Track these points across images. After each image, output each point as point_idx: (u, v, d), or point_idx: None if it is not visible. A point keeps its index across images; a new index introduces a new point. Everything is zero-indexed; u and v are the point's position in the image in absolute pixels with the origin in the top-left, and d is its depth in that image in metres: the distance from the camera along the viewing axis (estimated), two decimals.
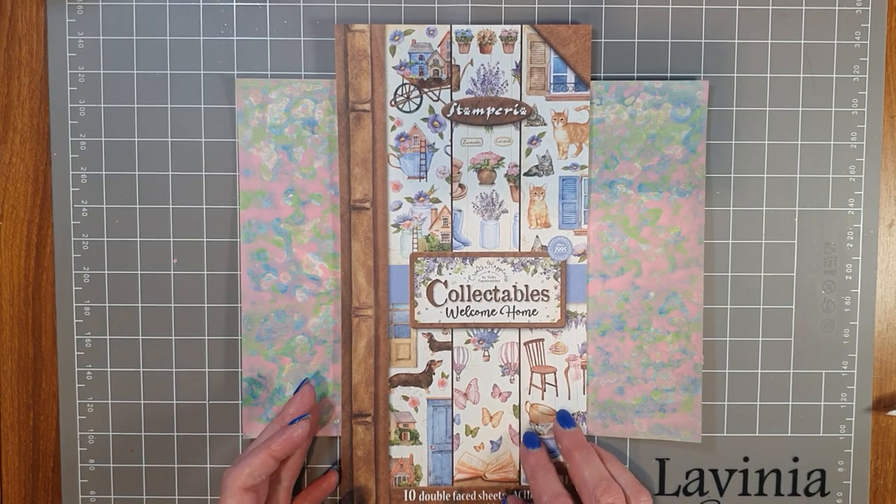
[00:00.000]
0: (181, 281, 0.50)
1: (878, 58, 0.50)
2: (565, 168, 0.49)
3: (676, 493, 0.52)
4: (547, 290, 0.50)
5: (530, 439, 0.50)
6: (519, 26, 0.48)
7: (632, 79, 0.49)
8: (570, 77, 0.49)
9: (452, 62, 0.48)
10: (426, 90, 0.49)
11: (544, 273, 0.50)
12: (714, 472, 0.51)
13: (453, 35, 0.48)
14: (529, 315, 0.50)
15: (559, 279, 0.50)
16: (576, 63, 0.48)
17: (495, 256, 0.49)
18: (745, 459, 0.51)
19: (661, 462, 0.51)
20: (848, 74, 0.50)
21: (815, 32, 0.50)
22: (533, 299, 0.50)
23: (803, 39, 0.50)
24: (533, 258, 0.49)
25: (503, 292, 0.50)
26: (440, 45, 0.48)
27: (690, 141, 0.49)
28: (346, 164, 0.48)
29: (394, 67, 0.48)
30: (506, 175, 0.49)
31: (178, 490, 0.51)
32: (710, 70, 0.50)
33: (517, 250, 0.50)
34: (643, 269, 0.50)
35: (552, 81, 0.49)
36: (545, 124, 0.49)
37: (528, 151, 0.49)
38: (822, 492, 0.51)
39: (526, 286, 0.50)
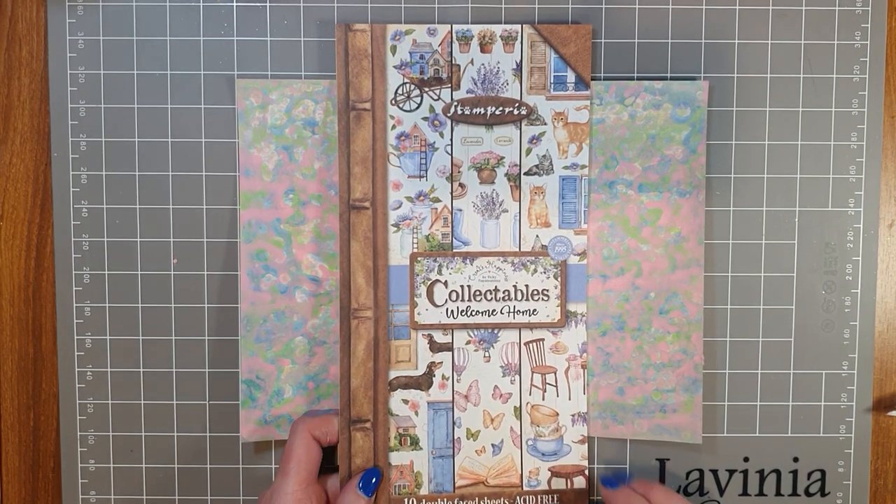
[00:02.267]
0: (181, 281, 0.50)
1: (879, 58, 0.50)
2: (565, 168, 0.49)
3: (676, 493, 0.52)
4: (547, 290, 0.49)
5: (608, 480, 0.49)
6: (519, 26, 0.48)
7: (632, 79, 0.49)
8: (571, 77, 0.49)
9: (453, 62, 0.48)
10: (426, 89, 0.49)
11: (544, 273, 0.49)
12: (714, 472, 0.51)
13: (454, 35, 0.48)
14: (529, 315, 0.50)
15: (559, 279, 0.49)
16: (576, 63, 0.48)
17: (495, 256, 0.49)
18: (746, 460, 0.51)
19: (662, 462, 0.51)
20: (848, 75, 0.50)
21: (815, 33, 0.50)
22: (533, 299, 0.50)
23: (803, 40, 0.50)
24: (533, 258, 0.49)
25: (503, 292, 0.49)
26: (441, 44, 0.48)
27: (690, 141, 0.49)
28: (346, 163, 0.48)
29: (394, 67, 0.48)
30: (506, 174, 0.49)
31: (178, 490, 0.51)
32: (710, 70, 0.50)
33: (517, 250, 0.49)
34: (643, 270, 0.50)
35: (552, 81, 0.49)
36: (545, 124, 0.49)
37: (529, 151, 0.49)
38: (823, 492, 0.51)
39: (526, 286, 0.49)
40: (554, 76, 0.49)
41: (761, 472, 0.51)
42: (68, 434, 0.51)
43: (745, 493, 0.52)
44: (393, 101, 0.49)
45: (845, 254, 0.50)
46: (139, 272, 0.50)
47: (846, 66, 0.50)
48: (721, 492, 0.52)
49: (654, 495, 0.46)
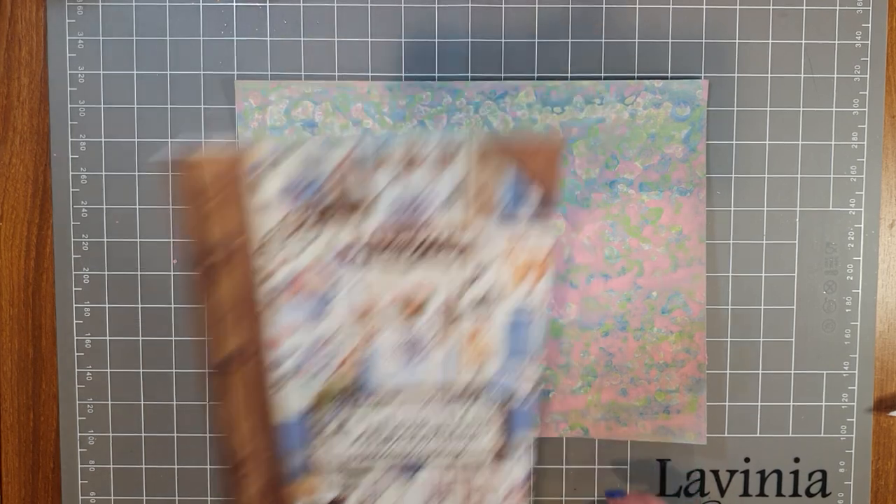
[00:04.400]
0: (181, 281, 0.50)
1: (879, 58, 0.50)
2: (513, 307, 0.44)
3: (677, 494, 0.51)
4: (480, 431, 0.45)
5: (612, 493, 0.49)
6: (461, 141, 0.42)
7: (632, 79, 0.49)
8: (532, 197, 0.43)
9: (364, 183, 0.42)
10: (328, 217, 0.42)
11: (478, 415, 0.45)
12: (715, 472, 0.51)
13: (358, 156, 0.42)
14: (455, 457, 0.46)
15: (496, 422, 0.45)
16: (541, 180, 0.43)
17: (419, 400, 0.45)
18: (747, 460, 0.51)
19: (662, 463, 0.51)
20: (849, 74, 0.50)
21: (816, 32, 0.50)
22: (462, 439, 0.45)
23: (804, 39, 0.50)
24: (466, 399, 0.45)
25: (427, 430, 0.45)
26: (339, 166, 0.41)
27: (691, 140, 0.49)
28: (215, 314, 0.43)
29: (278, 192, 0.42)
30: (437, 310, 0.44)
31: (178, 491, 0.51)
32: (711, 70, 0.50)
33: (447, 392, 0.45)
34: (645, 269, 0.50)
35: (506, 201, 0.43)
36: (492, 255, 0.43)
37: (467, 287, 0.43)
38: (824, 492, 0.51)
39: (455, 428, 0.45)
40: (510, 195, 0.43)
41: (762, 472, 0.51)
42: (68, 435, 0.51)
43: (745, 493, 0.51)
44: (279, 237, 0.42)
45: (846, 254, 0.50)
46: (139, 272, 0.50)
47: (847, 65, 0.50)
48: (722, 492, 0.52)
49: None
